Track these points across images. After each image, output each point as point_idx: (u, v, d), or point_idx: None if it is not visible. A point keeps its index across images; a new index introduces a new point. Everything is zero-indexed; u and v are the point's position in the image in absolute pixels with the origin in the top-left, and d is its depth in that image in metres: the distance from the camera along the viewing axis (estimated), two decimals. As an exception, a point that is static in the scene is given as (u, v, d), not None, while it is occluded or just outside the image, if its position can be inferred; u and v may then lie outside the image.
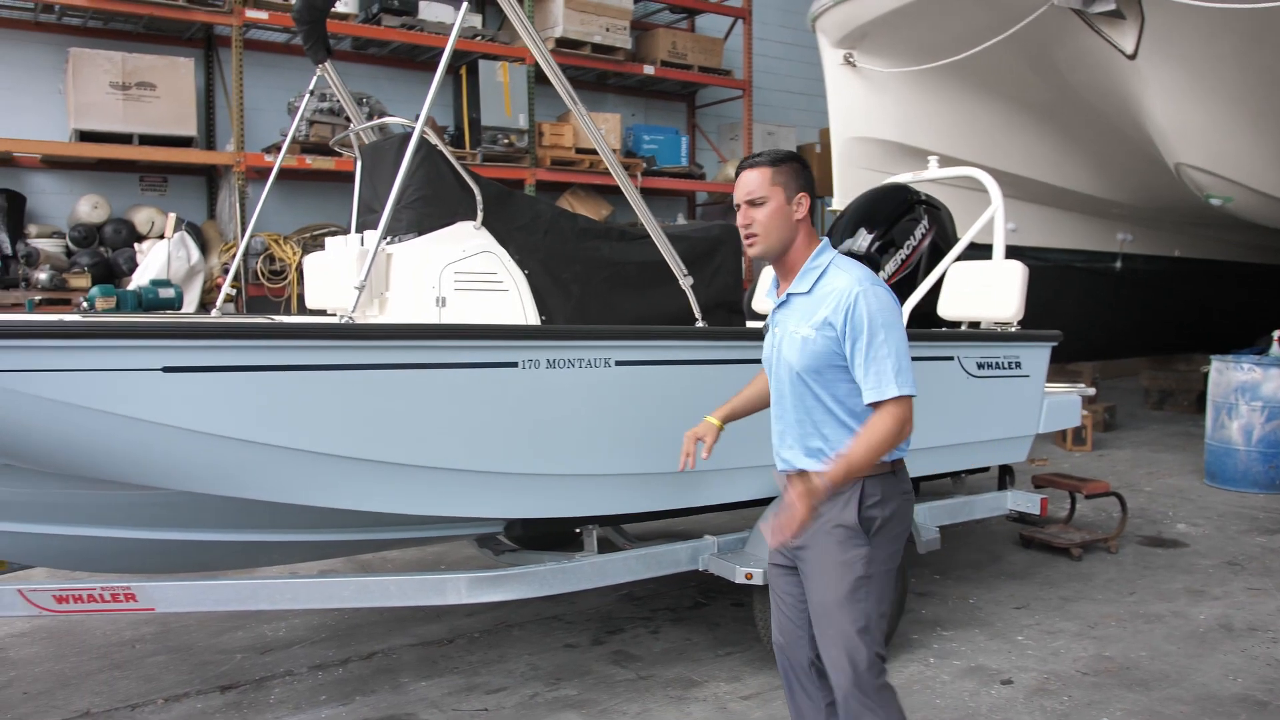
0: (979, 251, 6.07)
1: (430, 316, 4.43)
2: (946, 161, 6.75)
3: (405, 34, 10.57)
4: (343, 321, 3.80)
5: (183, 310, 8.65)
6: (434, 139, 4.66)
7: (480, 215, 4.63)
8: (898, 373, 2.77)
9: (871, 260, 6.18)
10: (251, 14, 9.50)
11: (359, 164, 5.12)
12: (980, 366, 5.55)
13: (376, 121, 5.14)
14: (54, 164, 9.58)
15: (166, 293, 8.11)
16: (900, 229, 6.28)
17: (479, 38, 11.00)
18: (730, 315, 5.11)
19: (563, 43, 11.38)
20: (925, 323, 5.90)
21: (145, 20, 9.52)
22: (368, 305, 4.66)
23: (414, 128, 4.47)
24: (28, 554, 4.16)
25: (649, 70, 12.34)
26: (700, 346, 4.47)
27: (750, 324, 5.76)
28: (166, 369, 3.36)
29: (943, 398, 5.36)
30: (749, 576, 4.40)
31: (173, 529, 3.94)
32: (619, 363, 4.24)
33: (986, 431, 5.73)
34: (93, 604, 3.82)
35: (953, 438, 5.52)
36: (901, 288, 6.05)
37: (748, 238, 2.97)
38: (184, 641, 5.02)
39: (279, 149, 9.95)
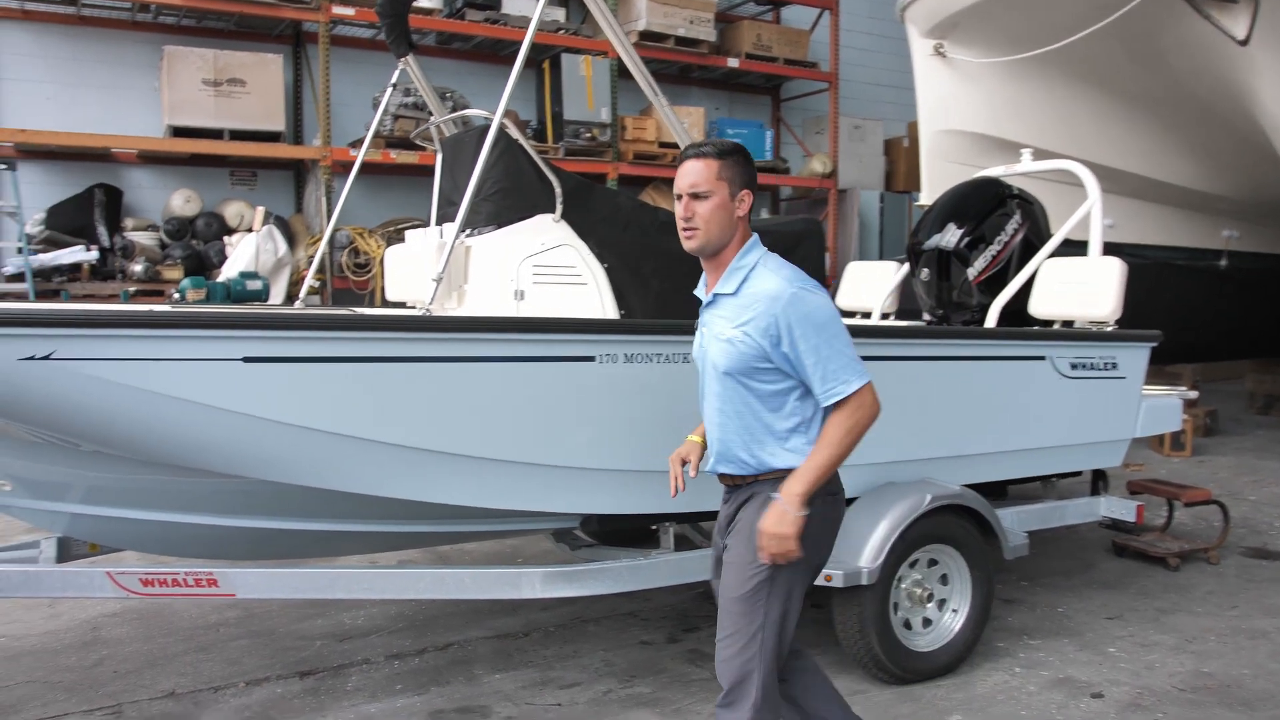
0: (1074, 248, 5.85)
1: (508, 309, 4.41)
2: (1040, 155, 6.53)
3: (489, 28, 10.62)
4: (420, 314, 3.79)
5: (269, 302, 8.81)
6: (514, 131, 4.63)
7: (559, 208, 4.59)
8: (851, 365, 2.75)
9: (960, 256, 6.00)
10: (338, 10, 9.65)
11: (439, 157, 5.13)
12: (1074, 367, 5.34)
13: (457, 114, 5.14)
14: (149, 159, 9.85)
15: (254, 285, 8.27)
16: (991, 224, 6.07)
17: (562, 31, 11.00)
18: (812, 311, 5.00)
19: (646, 36, 11.32)
20: (1016, 321, 5.70)
21: (236, 18, 9.72)
22: (446, 298, 4.67)
23: (494, 120, 4.45)
24: (117, 537, 4.25)
25: (733, 63, 12.22)
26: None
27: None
28: (247, 359, 3.38)
29: (1033, 399, 5.17)
30: (828, 579, 4.29)
31: (254, 517, 3.98)
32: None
33: (1080, 435, 5.51)
34: (176, 588, 3.88)
35: (1043, 440, 5.32)
36: (991, 284, 5.87)
37: (686, 230, 2.89)
38: (266, 626, 5.09)
39: (364, 143, 10.08)
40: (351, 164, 10.26)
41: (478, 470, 3.87)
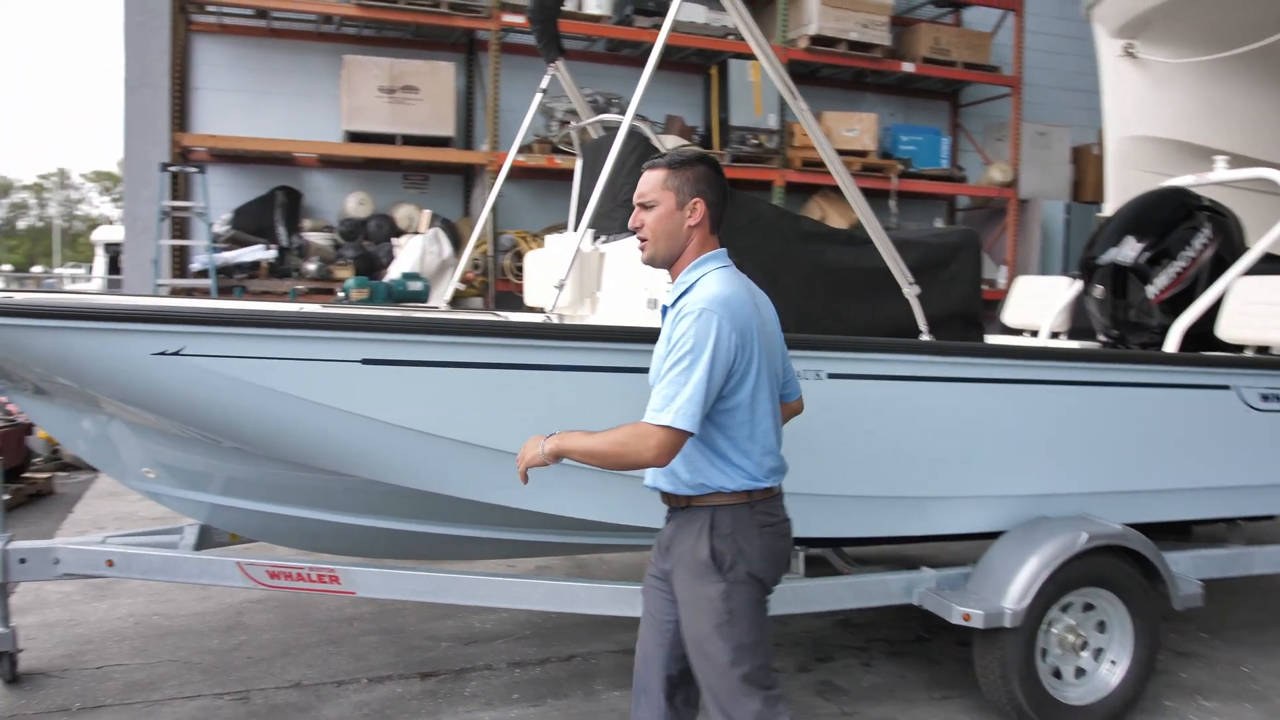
0: (1274, 265, 5.28)
1: (641, 318, 4.30)
2: (1238, 162, 5.94)
3: (655, 34, 10.56)
4: (538, 320, 3.72)
5: (428, 303, 9.01)
6: (648, 133, 4.53)
7: (699, 212, 4.43)
8: (670, 401, 2.57)
9: (1139, 273, 5.52)
10: (509, 18, 9.82)
11: (579, 162, 5.08)
12: (1266, 399, 4.81)
13: (597, 119, 5.07)
14: (328, 163, 10.28)
15: (415, 285, 8.45)
16: (1176, 237, 5.56)
17: (730, 36, 10.86)
18: (967, 329, 4.69)
19: (817, 40, 11.05)
20: (1200, 345, 5.19)
21: (413, 27, 10.03)
22: (579, 305, 4.61)
23: (633, 123, 4.36)
24: (253, 529, 4.38)
25: (908, 68, 11.77)
26: (921, 361, 4.09)
27: (990, 339, 5.29)
28: (365, 361, 3.39)
29: (1216, 432, 4.68)
30: (966, 618, 3.98)
31: (381, 517, 4.00)
32: (832, 375, 3.95)
33: (1271, 474, 4.96)
34: (301, 582, 3.95)
35: (1226, 479, 4.81)
36: (1174, 304, 5.36)
37: (639, 242, 2.87)
38: (397, 624, 5.15)
39: (530, 149, 10.25)
40: (519, 169, 10.55)
41: (596, 483, 3.75)
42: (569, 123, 10.06)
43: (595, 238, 4.70)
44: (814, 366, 3.93)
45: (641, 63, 11.69)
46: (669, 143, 10.44)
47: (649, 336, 3.72)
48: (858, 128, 11.47)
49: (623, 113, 10.25)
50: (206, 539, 4.45)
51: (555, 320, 3.74)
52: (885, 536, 4.41)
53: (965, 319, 4.72)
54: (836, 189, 11.59)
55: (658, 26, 10.51)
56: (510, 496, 3.69)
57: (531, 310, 5.35)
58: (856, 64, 11.58)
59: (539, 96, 5.82)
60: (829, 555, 4.68)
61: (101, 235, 20.35)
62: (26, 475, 7.60)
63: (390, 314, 3.59)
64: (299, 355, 3.34)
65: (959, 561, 4.37)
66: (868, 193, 4.30)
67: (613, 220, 4.61)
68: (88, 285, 21.36)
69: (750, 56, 10.88)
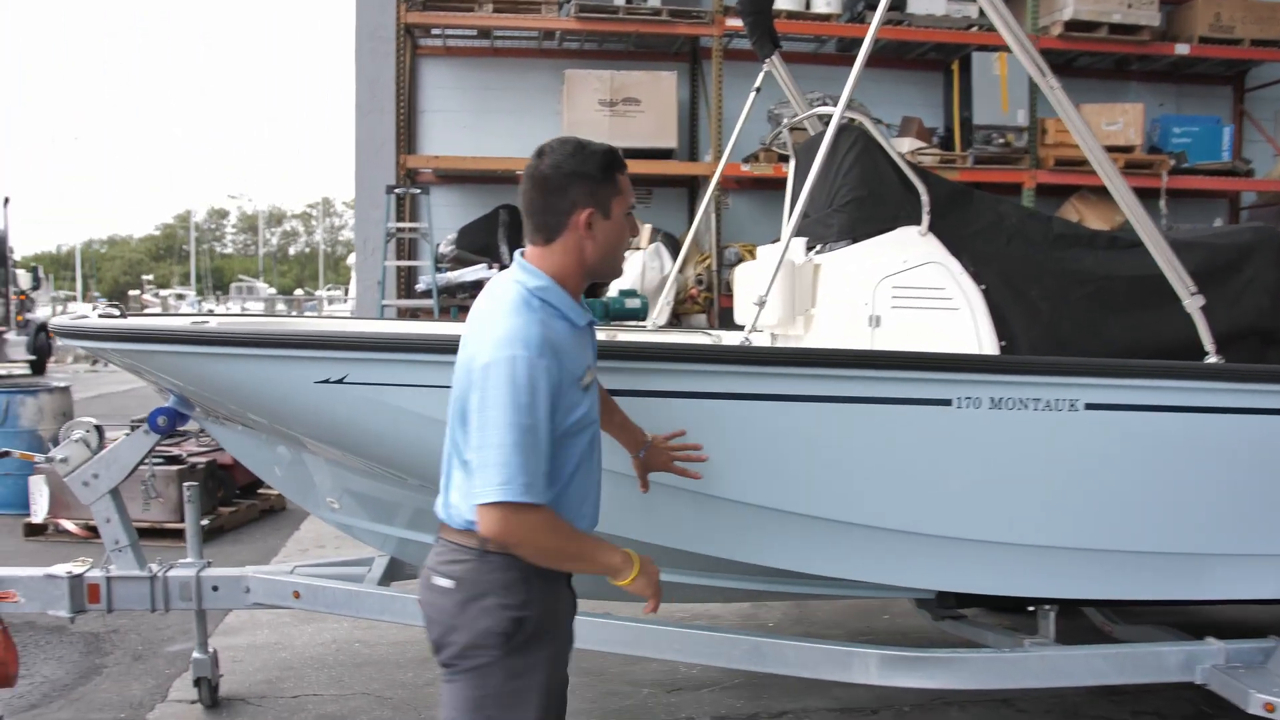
0: None
1: (861, 338, 3.78)
2: None
3: (892, 30, 9.91)
4: (731, 343, 3.27)
5: (645, 321, 8.73)
6: (871, 129, 3.98)
7: (926, 219, 3.89)
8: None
9: None
10: (732, 23, 9.43)
11: (792, 163, 4.59)
12: None
13: (811, 113, 4.56)
14: (552, 180, 10.21)
15: (633, 303, 8.18)
16: None
17: (974, 28, 10.02)
18: (1264, 347, 3.86)
19: (1073, 25, 10.02)
20: None
21: (634, 38, 9.82)
22: (789, 323, 4.12)
23: (850, 115, 3.85)
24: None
25: (1182, 49, 10.49)
26: (1209, 389, 3.34)
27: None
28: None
29: None
30: (1270, 708, 3.19)
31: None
32: (1090, 405, 3.27)
33: None
34: (483, 627, 3.65)
35: None
36: None
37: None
38: (598, 665, 4.81)
39: (757, 159, 9.81)
40: (745, 179, 10.14)
41: (798, 529, 3.28)
42: (797, 129, 9.58)
43: (809, 248, 4.20)
44: (1068, 395, 3.28)
45: (875, 62, 11.03)
46: (904, 146, 9.76)
47: (863, 362, 3.22)
48: (1120, 120, 10.31)
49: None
50: (398, 571, 4.26)
51: (751, 342, 3.27)
52: (1152, 600, 3.68)
53: (1263, 335, 3.90)
54: (1096, 190, 10.53)
55: (892, 22, 9.87)
56: (697, 542, 3.27)
57: (740, 328, 4.90)
58: (1120, 49, 10.44)
59: (753, 96, 5.38)
60: (1092, 612, 3.99)
61: (354, 259, 21.57)
62: (261, 491, 7.86)
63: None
64: (413, 381, 3.05)
65: (1247, 627, 3.57)
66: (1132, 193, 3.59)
67: (828, 227, 4.10)
68: (343, 307, 22.71)
69: (996, 48, 10.01)
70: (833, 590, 3.82)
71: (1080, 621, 4.23)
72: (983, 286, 3.78)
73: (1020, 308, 3.80)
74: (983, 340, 3.73)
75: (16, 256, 22.08)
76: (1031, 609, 3.72)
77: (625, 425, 2.90)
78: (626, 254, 2.42)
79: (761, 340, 4.61)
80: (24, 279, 21.48)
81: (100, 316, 3.76)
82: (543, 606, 2.28)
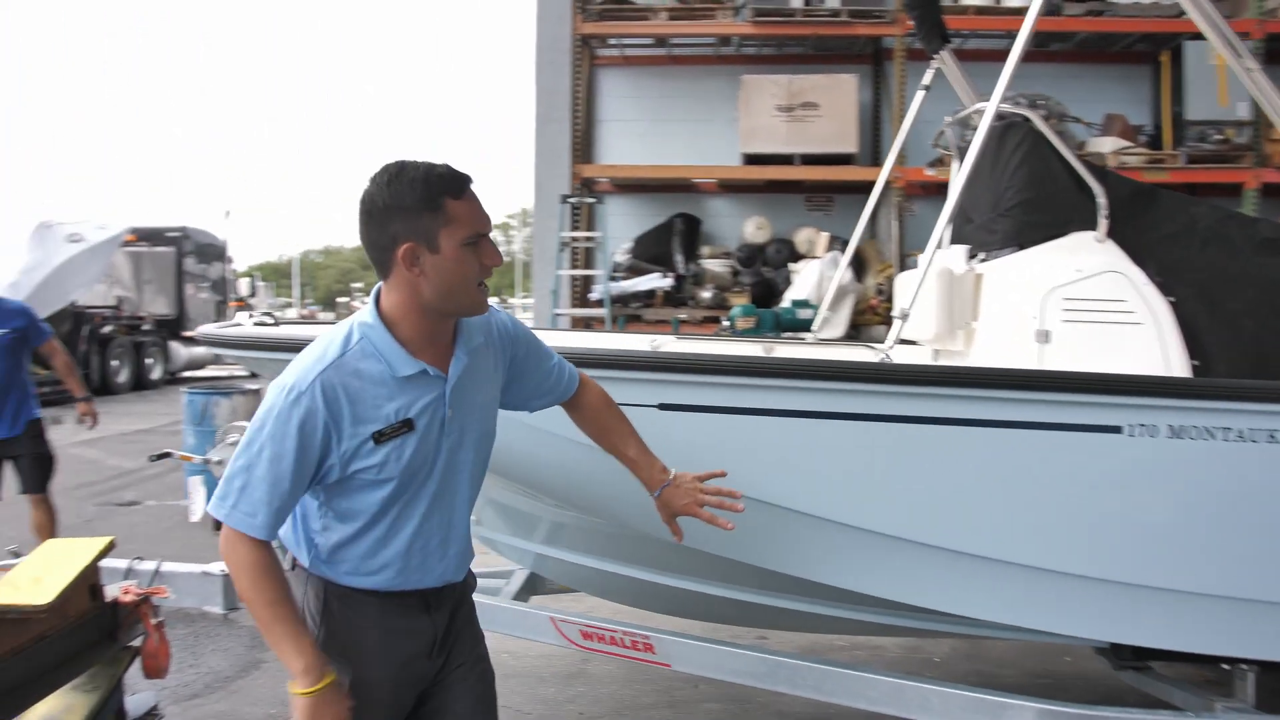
0: None
1: (1028, 354, 3.46)
2: None
3: (1092, 22, 9.26)
4: (880, 359, 3.02)
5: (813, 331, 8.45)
6: (1041, 125, 3.64)
7: (1104, 223, 3.52)
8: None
9: None
10: (913, 26, 9.01)
11: (954, 164, 4.27)
12: None
13: (968, 110, 4.23)
14: (728, 188, 10.09)
15: (805, 313, 7.92)
16: None
17: (1185, 15, 9.21)
18: None
19: (1305, 8, 9.07)
20: None
21: (813, 41, 9.56)
22: (949, 338, 3.82)
23: (1017, 111, 3.54)
24: (578, 582, 4.08)
25: None
26: None
27: None
28: (662, 406, 2.91)
29: None
30: None
31: (692, 579, 3.52)
32: (1295, 437, 2.84)
33: None
34: (613, 646, 3.54)
35: None
36: None
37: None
38: (745, 693, 4.60)
39: (942, 163, 9.35)
40: (929, 185, 9.69)
41: (938, 564, 3.00)
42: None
43: (971, 255, 3.88)
44: (1267, 425, 2.86)
45: (1074, 57, 10.38)
46: (1105, 146, 9.08)
47: (1015, 383, 2.91)
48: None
49: (1050, 117, 9.01)
50: (537, 585, 4.21)
51: (890, 357, 3.02)
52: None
53: None
54: (1327, 187, 9.49)
55: (1092, 14, 9.21)
56: (828, 573, 3.05)
57: (904, 342, 4.60)
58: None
59: (921, 95, 5.07)
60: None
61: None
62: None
63: (692, 352, 3.08)
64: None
65: None
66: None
67: (992, 233, 3.78)
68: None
69: (1211, 37, 9.17)
70: (995, 633, 3.50)
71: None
72: (1171, 299, 3.39)
73: (1217, 323, 3.38)
74: (1170, 359, 3.34)
75: (238, 266, 23.82)
76: (1227, 665, 3.29)
77: (639, 461, 2.55)
78: (483, 284, 2.08)
79: (922, 356, 4.32)
80: (243, 287, 23.15)
81: (255, 325, 3.85)
82: (338, 636, 2.11)
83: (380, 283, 2.10)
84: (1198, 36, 9.19)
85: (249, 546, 1.98)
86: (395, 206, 2.00)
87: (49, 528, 5.61)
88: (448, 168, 2.06)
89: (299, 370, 2.02)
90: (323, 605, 2.13)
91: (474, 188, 2.09)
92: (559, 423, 2.88)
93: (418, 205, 2.00)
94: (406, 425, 2.06)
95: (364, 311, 2.11)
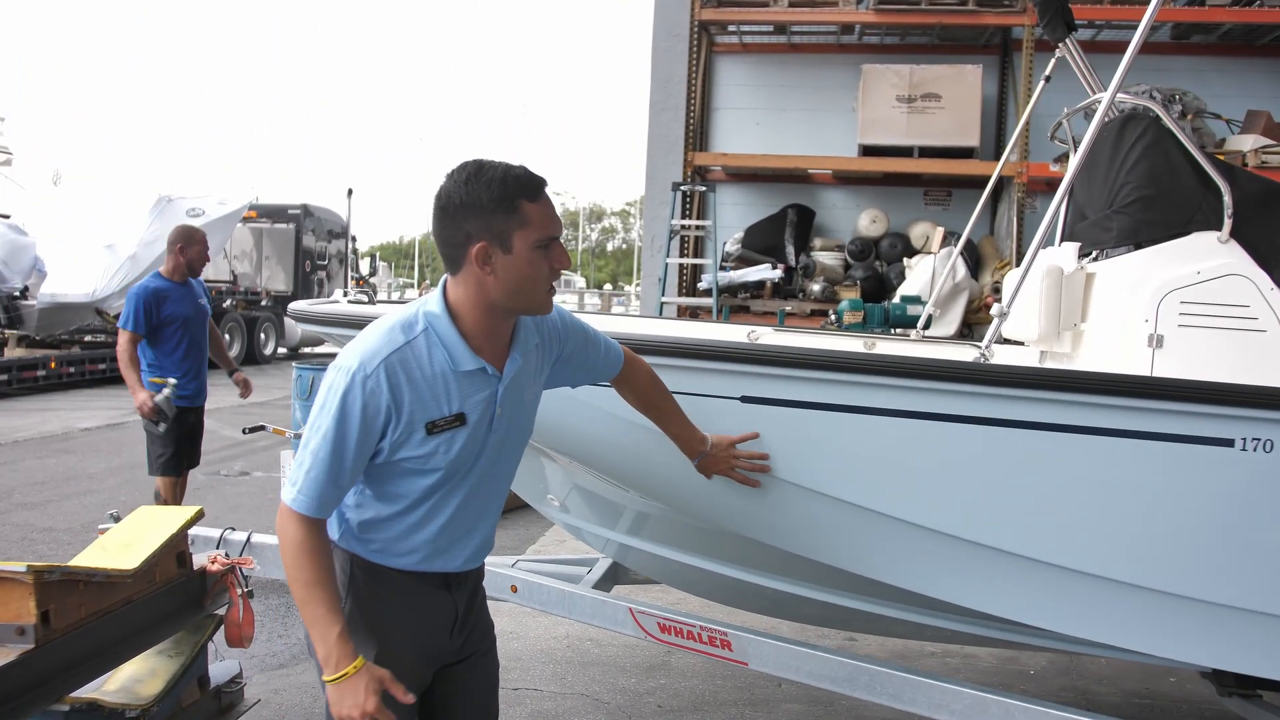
0: None
1: (1140, 360, 3.28)
2: None
3: (1240, 12, 8.74)
4: (976, 358, 2.89)
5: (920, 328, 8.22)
6: (1164, 116, 3.44)
7: (1229, 222, 3.31)
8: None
9: None
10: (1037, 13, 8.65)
11: (1072, 157, 4.06)
12: None
13: (1088, 101, 4.02)
14: (844, 179, 9.89)
15: (915, 310, 7.71)
16: None
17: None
18: None
19: None
20: None
21: (938, 30, 9.29)
22: (1055, 339, 3.65)
23: (1138, 102, 3.35)
24: (660, 573, 4.05)
25: None
26: None
27: None
28: (745, 399, 2.85)
29: None
30: None
31: (769, 576, 3.45)
32: None
33: None
34: (690, 641, 3.49)
35: None
36: None
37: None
38: (828, 695, 4.49)
39: (1065, 158, 8.96)
40: (1054, 181, 9.30)
41: (1033, 577, 2.87)
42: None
43: (1082, 253, 3.70)
44: (1398, 445, 2.63)
45: (1218, 50, 9.85)
46: (1245, 144, 8.57)
47: (1118, 389, 2.75)
48: None
49: (1186, 113, 8.55)
50: (620, 575, 4.19)
51: (988, 357, 2.88)
52: None
53: None
54: None
55: (1239, 4, 8.70)
56: (909, 578, 2.95)
57: (1009, 342, 4.41)
58: None
59: (1042, 85, 4.86)
60: None
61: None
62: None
63: (779, 346, 3.00)
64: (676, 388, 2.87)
65: None
66: None
67: (1106, 230, 3.59)
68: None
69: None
70: (1093, 651, 3.33)
71: None
72: (1299, 306, 3.16)
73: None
74: (1295, 369, 3.11)
75: (361, 246, 24.46)
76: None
77: (681, 434, 2.74)
78: (555, 286, 2.10)
79: (1027, 357, 4.14)
80: (365, 266, 23.77)
81: (350, 302, 3.90)
82: (363, 607, 2.16)
83: (447, 275, 2.11)
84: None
85: (298, 524, 2.02)
86: (471, 205, 2.01)
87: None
88: (524, 170, 2.07)
89: (364, 351, 2.03)
90: (349, 578, 2.18)
91: (548, 191, 2.10)
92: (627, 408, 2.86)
93: (494, 205, 2.00)
94: (459, 419, 2.08)
95: (431, 300, 2.11)
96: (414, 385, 2.03)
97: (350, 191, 14.76)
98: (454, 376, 2.07)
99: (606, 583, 4.07)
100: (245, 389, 6.18)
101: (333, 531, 2.19)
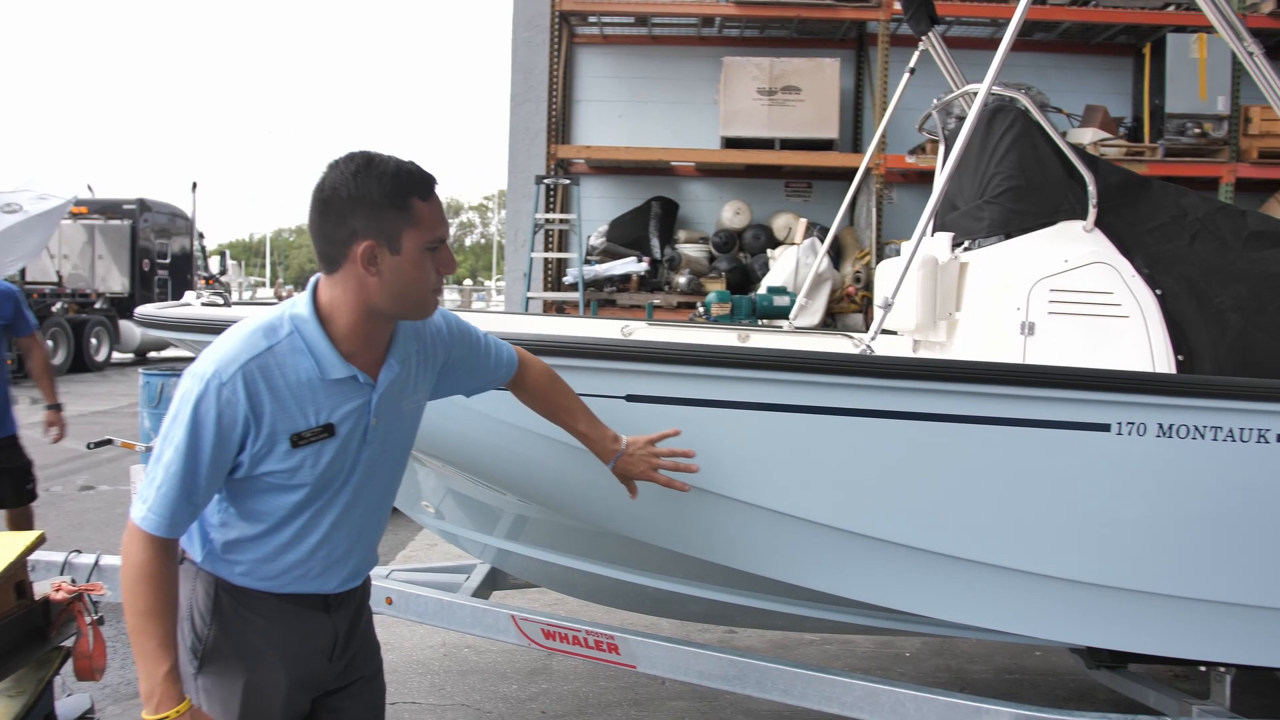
0: None
1: (1013, 348, 3.34)
2: None
3: (1077, 11, 9.16)
4: (861, 350, 2.88)
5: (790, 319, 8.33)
6: (1032, 109, 3.51)
7: (1093, 212, 3.40)
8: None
9: None
10: (900, 6, 8.88)
11: (941, 150, 4.14)
12: None
13: (958, 93, 4.10)
14: (706, 171, 9.94)
15: (781, 300, 7.81)
16: None
17: (1170, 6, 9.14)
18: None
19: (1289, 2, 9.00)
20: None
21: (796, 24, 9.41)
22: (931, 329, 3.69)
23: (1004, 95, 3.41)
24: (541, 578, 3.95)
25: None
26: None
27: None
28: (630, 397, 2.76)
29: None
30: None
31: (651, 576, 3.39)
32: (1285, 437, 2.74)
33: None
34: (576, 646, 3.40)
35: None
36: None
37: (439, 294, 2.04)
38: (712, 691, 4.46)
39: (923, 150, 9.23)
40: (910, 172, 9.57)
41: (914, 565, 2.88)
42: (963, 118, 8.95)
43: (955, 244, 3.76)
44: (1258, 424, 2.76)
45: (1057, 48, 10.27)
46: (1085, 137, 8.99)
47: (995, 376, 2.78)
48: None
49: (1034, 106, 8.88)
50: (499, 580, 4.07)
51: (872, 349, 2.88)
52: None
53: None
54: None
55: (1075, 3, 9.11)
56: (792, 572, 2.94)
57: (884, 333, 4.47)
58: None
59: (906, 77, 4.94)
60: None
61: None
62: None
63: (658, 343, 2.92)
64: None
65: None
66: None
67: (978, 221, 3.65)
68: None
69: (1194, 29, 9.09)
70: (972, 634, 3.38)
71: (1265, 676, 3.66)
72: (1158, 291, 3.28)
73: (1204, 318, 3.27)
74: (1156, 354, 3.23)
75: (209, 243, 23.32)
76: (1204, 667, 3.20)
77: (591, 434, 2.54)
78: (439, 291, 2.00)
79: (902, 347, 4.20)
80: (215, 265, 22.66)
81: (204, 305, 3.66)
82: (230, 634, 1.99)
83: (320, 274, 1.94)
84: (1181, 29, 9.17)
85: (144, 545, 1.84)
86: (360, 200, 1.85)
87: None
88: (417, 166, 1.92)
89: (221, 357, 1.86)
90: (214, 602, 1.99)
91: (438, 190, 1.96)
92: (521, 415, 2.75)
93: (385, 202, 1.86)
94: (327, 430, 1.93)
95: (299, 302, 1.94)
96: (276, 394, 1.87)
97: (195, 185, 14.01)
98: (322, 385, 1.91)
99: (485, 589, 3.94)
100: (57, 432, 5.23)
101: (195, 553, 2.01)
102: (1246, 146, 9.18)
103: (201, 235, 21.79)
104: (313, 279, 1.98)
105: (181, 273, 20.24)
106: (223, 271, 23.38)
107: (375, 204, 1.85)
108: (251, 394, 1.84)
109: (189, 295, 3.60)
